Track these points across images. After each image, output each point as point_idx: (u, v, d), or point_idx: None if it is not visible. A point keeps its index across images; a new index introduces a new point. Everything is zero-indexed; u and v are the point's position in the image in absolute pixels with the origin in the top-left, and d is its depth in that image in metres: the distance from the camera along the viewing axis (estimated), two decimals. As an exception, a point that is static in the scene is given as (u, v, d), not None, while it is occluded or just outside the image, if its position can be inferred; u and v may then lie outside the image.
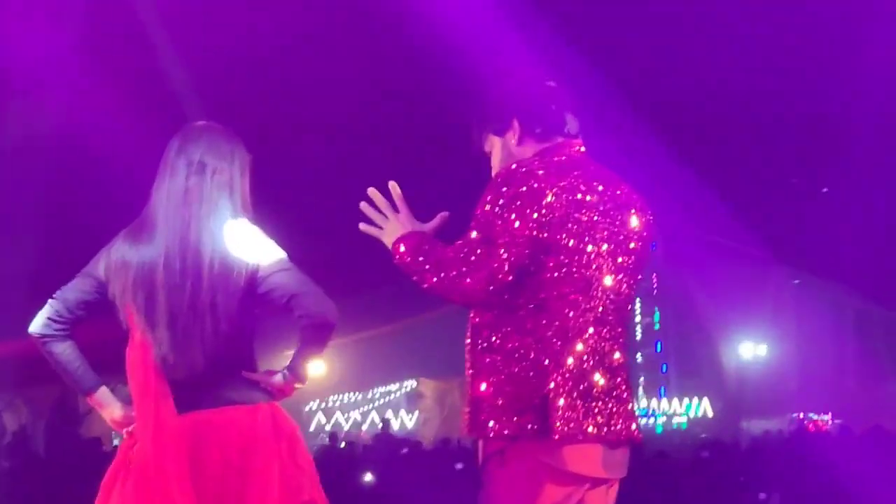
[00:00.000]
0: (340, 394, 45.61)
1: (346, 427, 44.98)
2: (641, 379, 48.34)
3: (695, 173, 27.65)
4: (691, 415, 47.26)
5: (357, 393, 43.45)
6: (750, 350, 47.80)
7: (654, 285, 47.75)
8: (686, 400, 47.98)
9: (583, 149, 6.27)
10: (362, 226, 6.28)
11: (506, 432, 5.83)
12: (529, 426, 5.81)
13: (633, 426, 6.11)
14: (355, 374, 40.53)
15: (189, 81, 16.81)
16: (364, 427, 44.97)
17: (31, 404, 32.98)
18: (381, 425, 37.45)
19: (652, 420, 45.58)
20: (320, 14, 16.08)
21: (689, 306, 47.07)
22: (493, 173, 6.24)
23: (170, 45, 16.98)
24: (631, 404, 6.14)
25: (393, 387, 44.83)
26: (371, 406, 45.05)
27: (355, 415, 43.86)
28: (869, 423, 32.83)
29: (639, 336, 48.69)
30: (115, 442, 40.51)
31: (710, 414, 46.96)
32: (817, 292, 43.60)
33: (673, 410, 47.39)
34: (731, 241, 38.15)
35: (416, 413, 45.34)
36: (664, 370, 49.34)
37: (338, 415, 46.84)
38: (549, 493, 5.85)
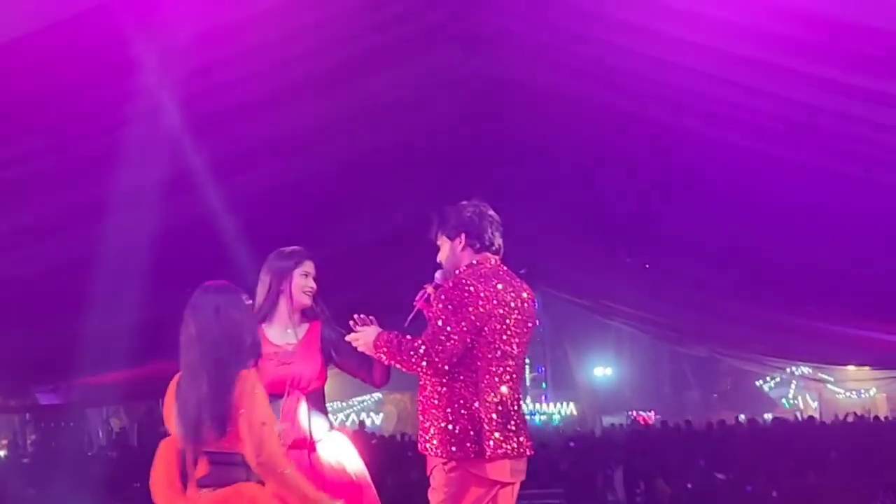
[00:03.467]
0: (330, 402, 45.37)
1: (336, 424, 44.62)
2: (529, 392, 48.57)
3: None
4: (563, 413, 47.09)
5: (341, 401, 43.06)
6: (601, 370, 48.17)
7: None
8: (560, 405, 47.93)
9: (499, 261, 6.29)
10: (349, 337, 6.19)
11: (450, 453, 5.96)
12: (468, 450, 5.93)
13: (529, 444, 6.20)
14: (340, 388, 40.34)
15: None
16: (347, 424, 44.80)
17: (129, 412, 32.60)
18: (358, 423, 37.10)
19: (536, 417, 45.38)
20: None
21: (560, 344, 47.58)
22: (440, 260, 6.29)
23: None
24: (527, 429, 6.23)
25: (366, 397, 44.35)
26: (351, 410, 44.61)
27: (340, 416, 43.48)
28: (679, 417, 33.09)
29: (528, 363, 48.91)
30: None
31: (576, 413, 46.93)
32: (642, 335, 43.99)
33: (551, 411, 47.26)
34: (586, 306, 38.39)
35: (382, 414, 45.12)
36: (545, 386, 49.42)
37: (329, 417, 46.44)
38: (474, 493, 5.96)
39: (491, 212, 6.36)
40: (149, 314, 13.80)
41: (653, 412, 43.37)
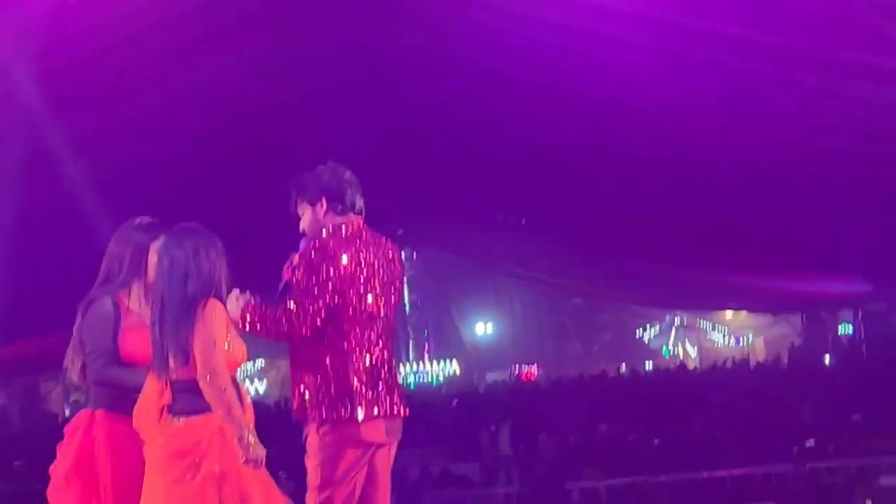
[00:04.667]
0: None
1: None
2: (412, 353, 48.70)
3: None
4: (446, 373, 47.24)
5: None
6: (482, 327, 48.37)
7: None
8: (442, 363, 48.06)
9: (362, 222, 6.31)
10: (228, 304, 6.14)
11: (323, 417, 5.99)
12: (341, 412, 5.98)
13: (404, 405, 6.25)
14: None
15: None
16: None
17: (9, 391, 32.08)
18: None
19: (418, 377, 45.51)
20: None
21: (443, 303, 47.73)
22: (302, 229, 6.29)
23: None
24: (400, 389, 6.30)
25: (248, 364, 44.32)
26: (243, 376, 44.55)
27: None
28: (561, 370, 33.45)
29: (409, 323, 49.02)
30: (67, 413, 39.42)
31: (459, 371, 47.08)
32: (522, 289, 44.37)
33: (433, 370, 47.37)
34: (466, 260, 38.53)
35: (265, 381, 44.93)
36: (426, 345, 49.56)
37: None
38: (351, 455, 6.00)
39: (349, 174, 6.35)
40: (19, 293, 13.68)
41: (536, 366, 43.69)
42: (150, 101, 12.34)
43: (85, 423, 6.10)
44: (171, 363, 5.57)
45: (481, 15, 12.26)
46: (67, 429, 6.19)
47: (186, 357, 5.55)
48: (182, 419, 5.56)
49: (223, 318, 5.70)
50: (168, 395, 5.58)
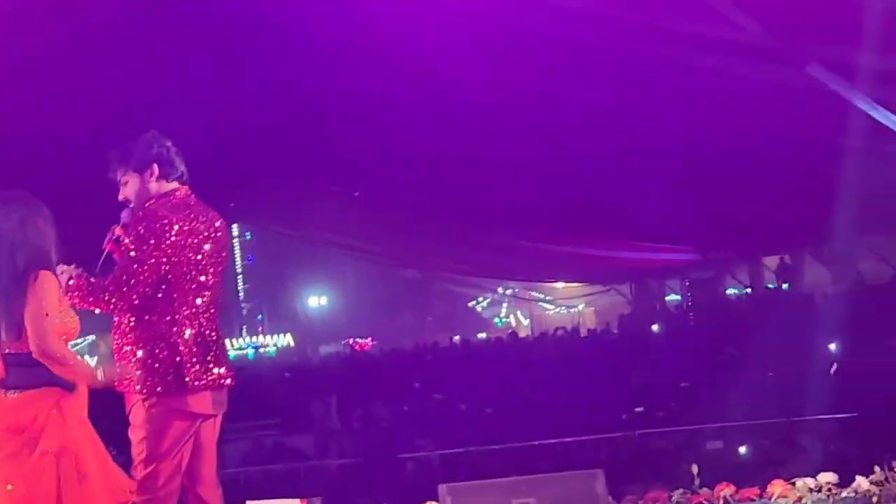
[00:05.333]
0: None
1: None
2: (245, 326, 48.46)
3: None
4: (279, 345, 47.10)
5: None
6: (316, 300, 48.35)
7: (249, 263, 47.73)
8: (276, 336, 47.92)
9: (188, 191, 6.25)
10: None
11: (149, 388, 5.92)
12: (168, 383, 5.90)
13: (230, 375, 6.20)
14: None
15: None
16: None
17: None
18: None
19: (251, 351, 45.30)
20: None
21: (277, 276, 47.56)
22: (125, 198, 6.21)
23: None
24: (227, 360, 6.25)
25: (78, 340, 43.45)
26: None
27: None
28: (395, 342, 33.54)
29: (242, 296, 48.74)
30: None
31: (293, 344, 46.97)
32: (355, 262, 44.40)
33: (267, 343, 47.21)
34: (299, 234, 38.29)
35: (96, 357, 44.09)
36: (259, 318, 49.43)
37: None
38: (177, 427, 5.92)
39: (169, 142, 6.28)
40: None
41: (370, 338, 43.79)
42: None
43: None
44: (3, 336, 5.45)
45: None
46: None
47: (19, 330, 5.42)
48: (16, 393, 5.45)
49: (55, 291, 5.57)
50: (2, 369, 5.46)
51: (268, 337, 48.24)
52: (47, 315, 5.44)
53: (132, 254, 5.89)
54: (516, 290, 45.54)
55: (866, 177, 12.95)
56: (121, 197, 6.22)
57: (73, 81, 13.96)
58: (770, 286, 29.09)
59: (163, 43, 14.53)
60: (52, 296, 5.51)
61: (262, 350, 45.81)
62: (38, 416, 5.39)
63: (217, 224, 6.23)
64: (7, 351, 5.44)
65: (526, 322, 47.11)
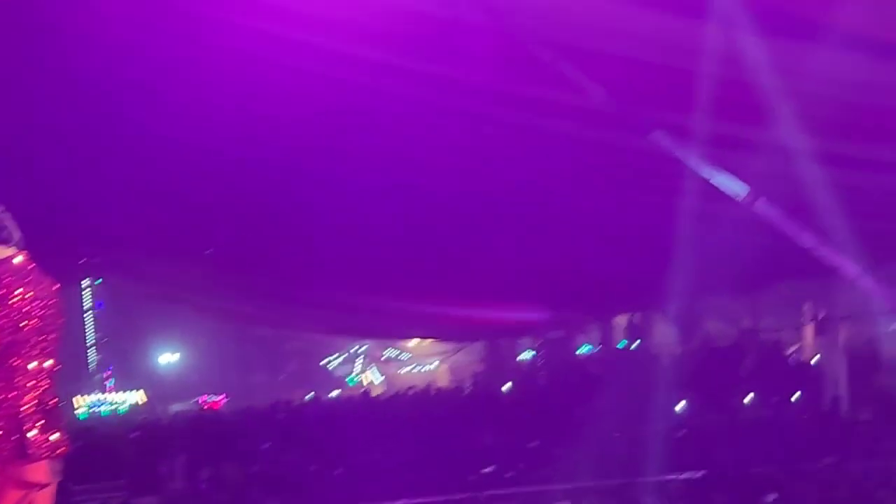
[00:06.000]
0: None
1: None
2: (96, 380, 47.61)
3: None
4: (131, 402, 46.37)
5: None
6: (167, 357, 47.80)
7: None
8: (127, 393, 47.18)
9: (25, 257, 5.98)
10: None
11: None
12: (5, 451, 5.67)
13: (67, 443, 5.93)
14: None
15: None
16: None
17: None
18: None
19: (103, 408, 44.50)
20: None
21: (128, 332, 46.88)
22: None
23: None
24: (65, 427, 6.01)
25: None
26: None
27: None
28: (245, 401, 33.25)
29: (92, 349, 48.04)
30: None
31: (144, 401, 46.29)
32: (209, 320, 44.03)
33: (117, 400, 46.43)
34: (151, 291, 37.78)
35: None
36: (110, 374, 48.58)
37: None
38: (12, 496, 5.74)
39: (2, 207, 6.04)
40: None
41: (223, 396, 43.39)
42: None
43: None
44: None
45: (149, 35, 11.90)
46: None
47: None
48: None
49: None
50: None
51: (119, 393, 47.46)
52: None
53: None
54: (369, 348, 45.52)
55: (708, 239, 13.23)
56: None
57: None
58: (620, 345, 29.50)
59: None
60: None
61: (112, 407, 45.04)
62: None
63: (53, 289, 6.12)
64: None
65: (380, 380, 47.08)
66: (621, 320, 29.29)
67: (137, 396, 46.68)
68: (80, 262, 24.29)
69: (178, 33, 11.41)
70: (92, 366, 47.44)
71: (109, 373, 48.31)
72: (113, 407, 45.15)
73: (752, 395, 21.39)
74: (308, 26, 10.24)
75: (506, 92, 11.21)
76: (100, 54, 12.61)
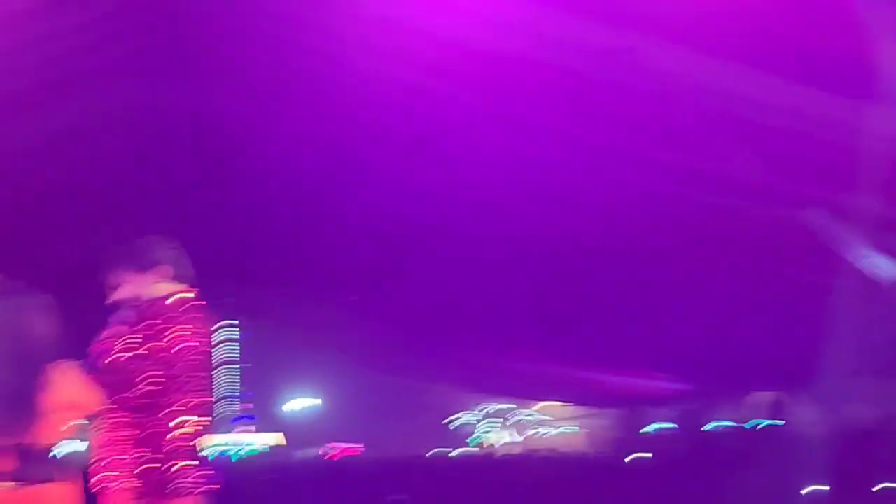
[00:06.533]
0: None
1: None
2: (233, 425, 48.37)
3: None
4: (266, 444, 46.95)
5: None
6: (304, 402, 48.27)
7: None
8: (263, 435, 47.79)
9: (193, 293, 6.23)
10: None
11: (137, 493, 5.86)
12: (156, 485, 5.86)
13: (215, 481, 6.12)
14: None
15: None
16: None
17: None
18: None
19: (235, 449, 45.17)
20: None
21: (268, 374, 47.51)
22: (118, 300, 6.20)
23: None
24: (212, 467, 6.17)
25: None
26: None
27: None
28: (389, 448, 33.34)
29: (233, 393, 48.77)
30: None
31: (281, 443, 46.83)
32: (350, 367, 44.38)
33: (252, 442, 47.05)
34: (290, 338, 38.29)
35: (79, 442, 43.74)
36: (248, 416, 49.30)
37: None
38: None
39: (173, 244, 6.28)
40: None
41: (355, 443, 43.60)
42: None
43: None
44: (19, 427, 5.27)
45: (312, 83, 12.14)
46: None
47: (32, 422, 5.28)
48: (26, 486, 5.28)
49: (76, 381, 5.52)
50: (10, 461, 5.24)
51: (253, 436, 48.04)
52: (72, 406, 5.42)
53: (134, 354, 5.86)
54: (507, 408, 45.41)
55: (860, 322, 12.98)
56: (119, 296, 6.19)
57: (57, 174, 13.96)
58: (758, 423, 28.92)
59: (169, 135, 14.60)
60: (75, 385, 5.48)
61: (244, 449, 45.58)
62: None
63: (208, 329, 6.24)
64: (19, 442, 5.28)
65: (513, 439, 46.90)
66: (759, 397, 28.75)
67: (275, 439, 47.24)
68: (228, 301, 24.68)
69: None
70: (228, 406, 48.12)
71: (248, 415, 48.99)
72: (245, 448, 45.74)
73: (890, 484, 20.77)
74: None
75: (658, 160, 11.17)
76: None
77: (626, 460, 26.49)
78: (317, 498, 20.02)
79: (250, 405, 50.13)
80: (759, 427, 28.23)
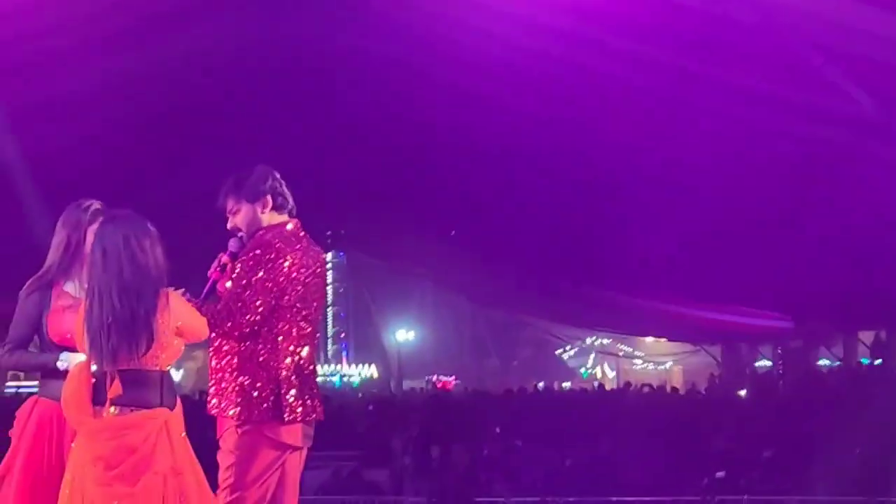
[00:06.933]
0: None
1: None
2: (331, 352, 48.74)
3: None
4: (363, 375, 47.30)
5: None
6: (403, 335, 48.43)
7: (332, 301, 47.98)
8: (361, 366, 48.11)
9: (298, 224, 6.31)
10: None
11: (244, 416, 5.97)
12: (264, 413, 5.95)
13: (321, 409, 6.24)
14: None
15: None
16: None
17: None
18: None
19: (337, 378, 45.57)
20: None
21: (366, 306, 47.74)
22: (236, 226, 6.26)
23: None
24: (319, 394, 6.29)
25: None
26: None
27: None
28: (479, 384, 33.48)
29: (330, 323, 49.02)
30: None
31: (376, 376, 47.15)
32: (446, 300, 44.55)
33: (351, 373, 47.43)
34: (393, 266, 38.52)
35: (181, 371, 44.49)
36: (345, 346, 49.62)
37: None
38: (267, 456, 5.98)
39: (279, 176, 6.35)
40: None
41: (454, 378, 43.79)
42: (92, 82, 12.19)
43: (28, 410, 6.07)
44: (124, 354, 5.40)
45: (426, 19, 12.20)
46: (17, 413, 6.13)
47: (147, 347, 5.42)
48: (131, 412, 5.43)
49: (186, 306, 5.66)
50: (118, 386, 5.41)
51: (353, 366, 48.46)
52: (173, 333, 5.50)
53: (244, 282, 5.95)
54: (605, 342, 45.33)
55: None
56: (230, 225, 6.28)
57: (184, 101, 14.21)
58: (863, 361, 28.59)
59: (275, 68, 14.73)
60: (186, 312, 5.62)
61: (346, 379, 46.00)
62: (148, 437, 5.39)
63: (322, 258, 6.33)
64: (124, 367, 5.41)
65: (612, 375, 46.84)
66: (866, 336, 28.37)
67: (371, 371, 47.63)
68: (327, 234, 24.89)
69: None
70: (329, 336, 48.55)
71: (345, 345, 49.39)
72: (347, 379, 46.16)
73: None
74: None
75: (771, 95, 11.02)
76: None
77: (740, 394, 26.44)
78: (431, 429, 20.22)
79: (345, 337, 50.48)
80: (864, 365, 27.94)
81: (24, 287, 6.16)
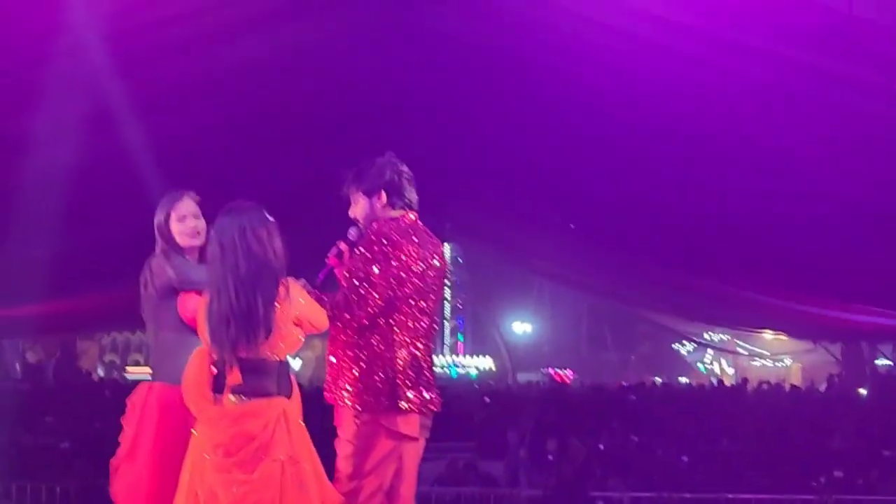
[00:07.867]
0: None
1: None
2: (448, 343, 48.92)
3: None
4: (480, 367, 47.38)
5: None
6: (520, 327, 48.49)
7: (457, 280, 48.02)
8: (477, 358, 48.19)
9: (416, 217, 6.34)
10: None
11: (362, 405, 6.04)
12: (382, 403, 6.02)
13: (438, 401, 6.30)
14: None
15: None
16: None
17: (46, 347, 32.54)
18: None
19: (453, 369, 45.75)
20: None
21: (482, 298, 47.82)
22: (353, 215, 6.31)
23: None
24: (436, 386, 6.34)
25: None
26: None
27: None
28: (594, 377, 33.40)
29: (448, 314, 49.19)
30: (100, 372, 39.70)
31: (494, 368, 47.21)
32: (564, 293, 44.41)
33: (467, 364, 47.53)
34: (510, 261, 38.53)
35: (299, 360, 45.04)
36: (461, 338, 49.75)
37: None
38: (385, 446, 6.05)
39: (405, 167, 6.39)
40: (65, 249, 13.81)
41: (570, 371, 43.72)
42: (213, 71, 12.34)
43: (143, 397, 6.18)
44: (242, 344, 5.51)
45: (548, 13, 12.17)
46: (129, 401, 6.24)
47: (266, 338, 5.52)
48: (250, 400, 5.55)
49: (306, 297, 5.74)
50: (237, 375, 5.53)
51: (469, 357, 48.59)
52: (291, 323, 5.60)
53: (361, 274, 6.01)
54: (724, 338, 44.90)
55: None
56: (350, 214, 6.35)
57: (299, 89, 14.31)
58: None
59: (397, 56, 14.81)
60: (305, 301, 5.70)
61: (462, 370, 46.14)
62: (267, 425, 5.49)
63: (440, 251, 6.38)
64: (245, 356, 5.52)
65: (730, 371, 46.39)
66: None
67: (487, 362, 47.71)
68: (446, 226, 24.95)
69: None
70: (446, 328, 48.73)
71: (461, 335, 49.53)
72: (464, 370, 46.31)
73: None
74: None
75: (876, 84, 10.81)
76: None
77: (861, 392, 26.07)
78: (547, 422, 20.24)
79: (462, 328, 50.63)
80: None
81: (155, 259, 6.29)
